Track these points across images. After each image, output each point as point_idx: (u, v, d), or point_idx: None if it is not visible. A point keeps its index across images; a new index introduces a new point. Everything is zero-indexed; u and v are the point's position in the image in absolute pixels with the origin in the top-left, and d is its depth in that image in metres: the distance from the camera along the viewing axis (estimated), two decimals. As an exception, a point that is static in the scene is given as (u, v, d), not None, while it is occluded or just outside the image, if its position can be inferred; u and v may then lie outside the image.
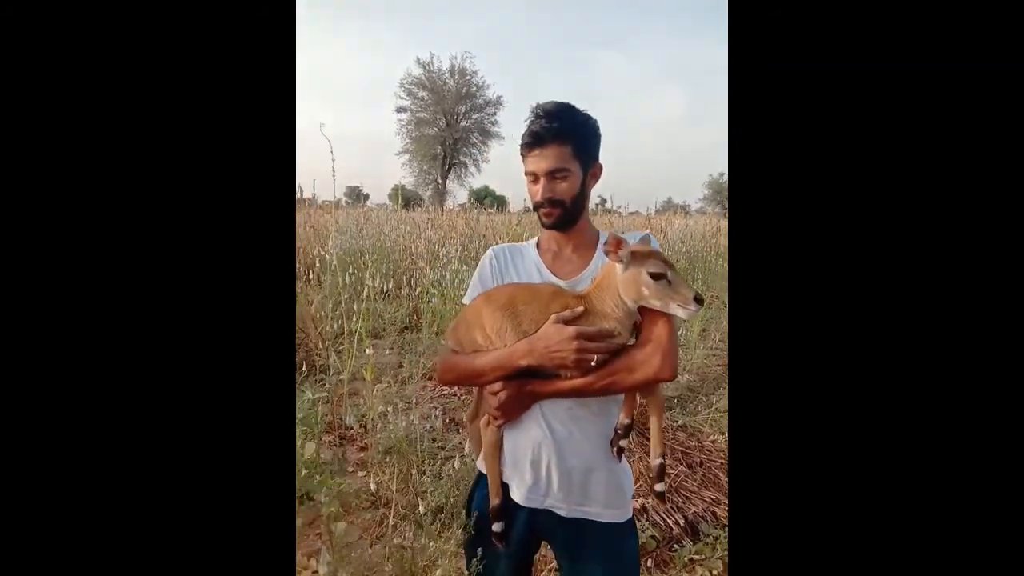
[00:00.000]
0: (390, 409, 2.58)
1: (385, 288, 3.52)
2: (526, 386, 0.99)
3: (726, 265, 6.90)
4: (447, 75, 23.72)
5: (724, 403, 3.30)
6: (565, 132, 1.04)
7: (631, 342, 0.97)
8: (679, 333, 4.82)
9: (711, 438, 2.89)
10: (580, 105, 1.10)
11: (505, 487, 1.06)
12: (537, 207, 1.07)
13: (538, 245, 1.16)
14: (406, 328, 4.40)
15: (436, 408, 3.03)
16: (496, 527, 1.05)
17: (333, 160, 2.36)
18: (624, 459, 1.06)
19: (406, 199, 11.63)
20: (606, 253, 0.95)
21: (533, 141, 1.05)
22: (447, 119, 23.75)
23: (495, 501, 1.05)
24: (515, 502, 1.05)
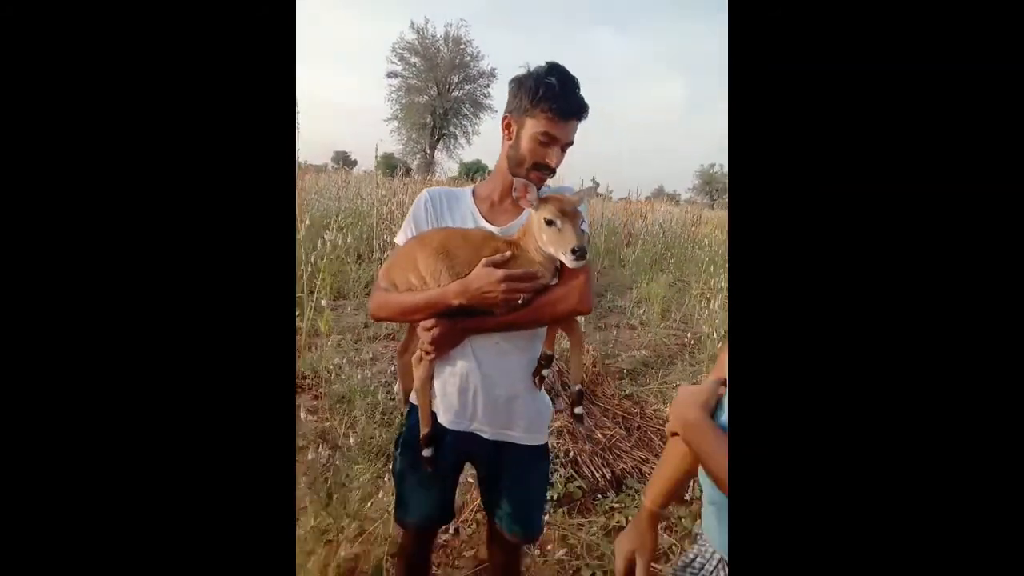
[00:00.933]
0: (344, 361, 2.68)
1: (343, 243, 3.57)
2: (459, 323, 1.08)
3: (701, 253, 7.09)
4: (441, 42, 23.15)
5: (673, 376, 3.49)
6: None
7: (554, 282, 1.07)
8: (640, 312, 4.97)
9: (654, 407, 3.06)
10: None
11: (434, 415, 1.16)
12: (534, 168, 1.09)
13: (474, 193, 1.20)
14: (375, 290, 4.48)
15: (394, 365, 3.14)
16: (426, 452, 1.15)
17: (298, 113, 2.40)
18: (543, 390, 1.18)
19: (392, 167, 11.49)
20: (516, 199, 1.04)
21: (577, 111, 1.07)
22: (439, 88, 23.22)
23: (425, 429, 1.14)
24: (443, 427, 1.15)
